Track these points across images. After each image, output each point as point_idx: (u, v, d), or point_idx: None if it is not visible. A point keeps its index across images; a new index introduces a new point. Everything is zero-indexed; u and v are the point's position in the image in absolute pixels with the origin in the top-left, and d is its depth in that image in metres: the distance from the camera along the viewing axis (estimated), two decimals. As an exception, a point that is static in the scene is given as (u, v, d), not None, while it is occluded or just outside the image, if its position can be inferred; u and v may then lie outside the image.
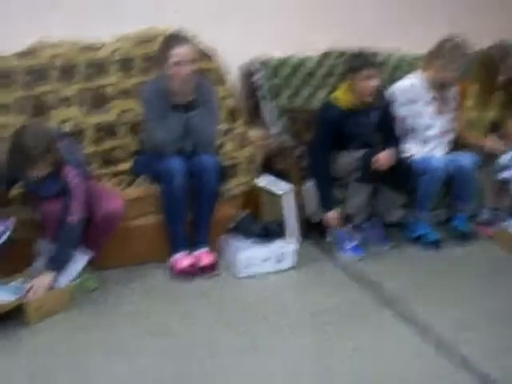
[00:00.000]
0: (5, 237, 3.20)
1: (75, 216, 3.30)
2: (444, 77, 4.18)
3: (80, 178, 3.37)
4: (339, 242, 4.05)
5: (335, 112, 3.98)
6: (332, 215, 4.01)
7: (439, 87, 4.25)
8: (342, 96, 4.00)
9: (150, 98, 3.73)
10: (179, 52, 3.61)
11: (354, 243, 4.02)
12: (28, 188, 3.46)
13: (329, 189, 4.04)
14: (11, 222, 3.24)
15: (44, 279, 3.27)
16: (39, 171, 3.21)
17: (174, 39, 3.70)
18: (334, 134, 3.98)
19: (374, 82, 3.92)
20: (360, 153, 3.92)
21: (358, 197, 3.98)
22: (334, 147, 4.00)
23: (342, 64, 4.63)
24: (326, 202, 4.03)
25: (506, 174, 4.23)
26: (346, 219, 4.06)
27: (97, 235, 3.47)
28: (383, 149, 3.93)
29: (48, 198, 3.35)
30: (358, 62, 3.94)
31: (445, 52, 4.13)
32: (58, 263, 3.33)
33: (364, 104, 4.00)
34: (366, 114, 4.04)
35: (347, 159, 3.96)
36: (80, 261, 3.39)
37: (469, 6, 5.18)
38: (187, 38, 3.70)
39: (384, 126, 4.13)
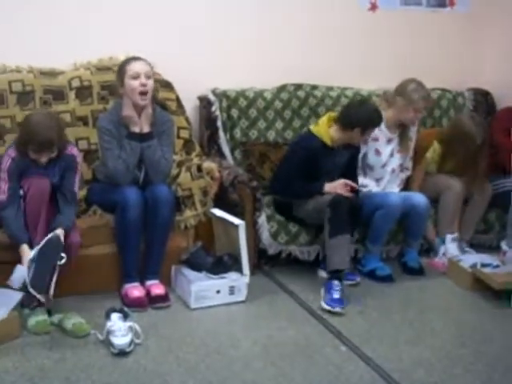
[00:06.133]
0: None
1: None
2: (406, 117, 4.24)
3: None
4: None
5: (316, 143, 3.99)
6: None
7: (398, 126, 4.32)
8: (325, 131, 4.00)
9: (105, 126, 3.70)
10: (134, 67, 3.62)
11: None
12: None
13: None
14: None
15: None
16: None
17: (127, 62, 3.70)
18: (309, 165, 3.98)
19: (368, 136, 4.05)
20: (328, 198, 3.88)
21: (340, 251, 3.82)
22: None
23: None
24: (315, 187, 3.98)
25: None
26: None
27: None
28: None
29: None
30: (368, 121, 3.93)
31: (408, 92, 4.19)
32: None
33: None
34: (341, 152, 4.07)
35: (316, 204, 3.95)
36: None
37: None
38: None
39: (350, 165, 4.15)
